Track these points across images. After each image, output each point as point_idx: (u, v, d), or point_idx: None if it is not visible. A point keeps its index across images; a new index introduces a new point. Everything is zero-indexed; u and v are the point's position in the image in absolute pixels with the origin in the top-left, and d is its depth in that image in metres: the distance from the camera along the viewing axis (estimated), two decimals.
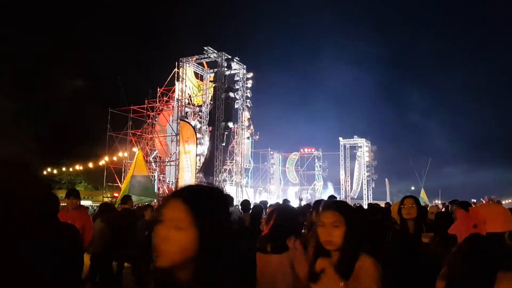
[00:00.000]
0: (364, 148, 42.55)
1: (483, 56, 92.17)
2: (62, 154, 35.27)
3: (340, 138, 43.42)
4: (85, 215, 6.83)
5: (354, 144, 43.33)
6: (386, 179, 44.66)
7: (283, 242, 3.91)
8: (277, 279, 3.87)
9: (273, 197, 32.21)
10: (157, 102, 28.98)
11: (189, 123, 24.75)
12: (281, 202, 9.59)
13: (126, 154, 27.95)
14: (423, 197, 28.13)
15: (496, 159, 63.69)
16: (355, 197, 40.84)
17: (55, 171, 32.02)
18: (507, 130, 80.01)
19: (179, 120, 24.65)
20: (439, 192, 36.78)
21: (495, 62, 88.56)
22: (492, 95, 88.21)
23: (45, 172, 32.03)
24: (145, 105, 29.22)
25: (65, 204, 6.50)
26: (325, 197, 9.94)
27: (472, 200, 24.67)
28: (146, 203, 14.01)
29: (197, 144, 23.45)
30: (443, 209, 11.30)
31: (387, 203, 13.86)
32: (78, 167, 30.12)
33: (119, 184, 28.86)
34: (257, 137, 32.19)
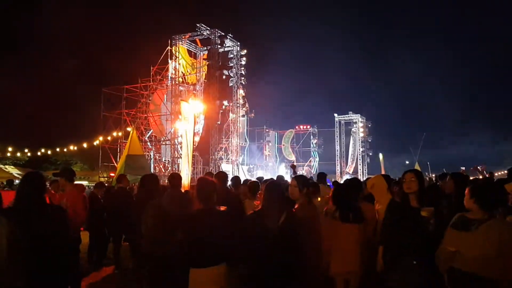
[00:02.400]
0: (359, 124, 42.55)
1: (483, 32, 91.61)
2: (56, 134, 35.16)
3: (335, 115, 43.41)
4: (76, 194, 6.74)
5: (349, 120, 43.32)
6: (380, 154, 44.77)
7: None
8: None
9: (268, 175, 32.31)
10: (151, 81, 28.76)
11: (184, 101, 24.56)
12: (275, 178, 9.61)
13: (120, 134, 27.85)
14: None
15: (489, 133, 63.88)
16: (350, 173, 41.01)
17: (49, 152, 31.91)
18: (499, 102, 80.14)
19: (179, 99, 24.46)
20: (428, 166, 36.94)
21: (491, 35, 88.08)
22: (483, 66, 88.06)
23: (39, 153, 31.98)
24: (139, 84, 29.01)
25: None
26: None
27: (461, 168, 24.91)
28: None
29: (195, 123, 23.34)
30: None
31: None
32: (73, 147, 29.98)
33: (115, 164, 28.84)
34: (252, 115, 32.11)
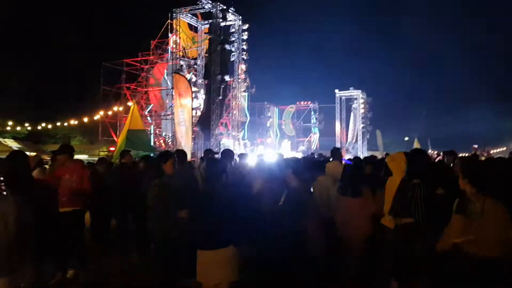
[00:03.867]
0: (359, 100, 42.30)
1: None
2: (56, 108, 34.95)
3: (336, 91, 43.09)
4: (82, 168, 6.83)
5: (350, 96, 43.06)
6: (378, 131, 44.77)
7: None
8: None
9: (269, 150, 32.28)
10: (151, 55, 28.45)
11: (183, 76, 24.34)
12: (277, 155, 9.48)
13: (121, 109, 27.70)
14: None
15: (489, 110, 63.72)
16: (351, 148, 41.02)
17: (49, 126, 31.79)
18: (499, 81, 79.72)
19: (173, 73, 24.22)
20: (428, 142, 36.95)
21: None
22: (485, 46, 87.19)
23: (40, 127, 31.89)
24: (139, 58, 28.70)
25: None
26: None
27: (474, 145, 25.15)
28: (136, 159, 13.98)
29: (192, 97, 23.13)
30: (438, 159, 11.39)
31: (386, 154, 13.83)
32: (73, 122, 29.85)
33: (115, 139, 28.80)
34: (253, 90, 31.86)
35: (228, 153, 6.79)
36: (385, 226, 5.27)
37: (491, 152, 19.88)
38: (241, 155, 7.66)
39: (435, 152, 21.30)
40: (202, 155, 7.75)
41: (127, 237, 7.74)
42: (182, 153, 6.41)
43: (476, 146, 27.53)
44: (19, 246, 3.23)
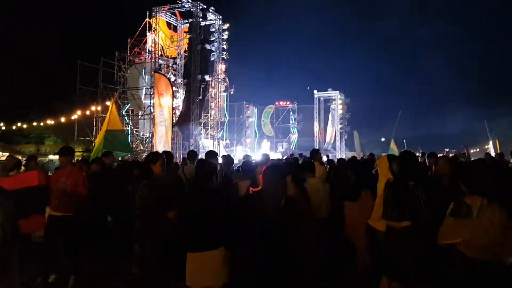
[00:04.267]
0: (337, 101, 42.65)
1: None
2: (31, 108, 34.12)
3: (315, 91, 43.35)
4: (79, 173, 6.66)
5: (329, 97, 43.36)
6: (355, 132, 45.26)
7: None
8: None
9: (248, 151, 32.20)
10: (129, 54, 28.00)
11: (164, 75, 24.03)
12: (260, 156, 9.41)
13: (99, 108, 27.16)
14: (392, 148, 28.66)
15: (461, 112, 65.12)
16: (329, 149, 41.27)
17: (24, 126, 30.99)
18: (473, 83, 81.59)
19: (153, 72, 23.87)
20: (404, 143, 37.49)
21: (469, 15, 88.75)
22: (460, 48, 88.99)
23: (14, 127, 31.05)
24: (116, 57, 28.21)
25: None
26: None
27: (445, 149, 25.48)
28: (121, 158, 13.70)
29: (173, 97, 22.84)
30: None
31: (370, 154, 13.93)
32: (50, 121, 29.13)
33: (91, 139, 28.24)
34: (233, 90, 31.74)
35: (213, 154, 6.66)
36: (374, 228, 5.29)
37: (471, 151, 20.24)
38: (225, 157, 7.54)
39: (417, 154, 21.52)
40: (185, 156, 7.59)
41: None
42: (169, 154, 6.25)
43: (447, 149, 27.91)
44: (5, 252, 3.03)
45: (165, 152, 6.42)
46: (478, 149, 44.28)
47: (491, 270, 3.55)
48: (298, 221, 4.02)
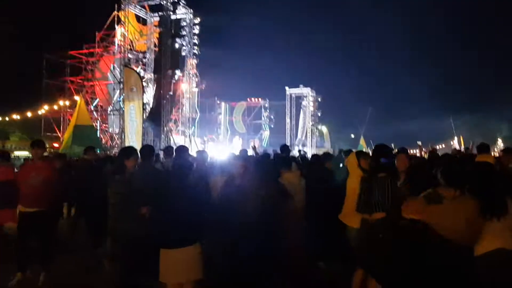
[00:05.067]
0: (309, 98, 42.96)
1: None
2: None
3: (287, 88, 43.52)
4: (52, 167, 6.54)
5: (300, 94, 43.61)
6: (324, 127, 45.87)
7: None
8: None
9: (219, 147, 32.03)
10: (96, 47, 27.35)
11: (134, 70, 23.54)
12: (237, 152, 9.28)
13: (67, 103, 26.44)
14: (362, 144, 29.12)
15: (429, 108, 66.75)
16: (300, 145, 41.52)
17: None
18: (440, 80, 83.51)
19: (122, 67, 23.34)
20: (371, 143, 38.17)
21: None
22: (429, 46, 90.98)
23: None
24: (84, 50, 27.53)
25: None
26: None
27: (418, 142, 26.02)
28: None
29: (143, 92, 22.40)
30: None
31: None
32: (16, 116, 28.17)
33: (58, 134, 27.50)
34: (203, 86, 31.46)
35: (184, 150, 6.50)
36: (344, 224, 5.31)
37: (437, 147, 20.72)
38: (199, 152, 7.39)
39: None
40: (158, 153, 7.41)
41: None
42: (147, 148, 6.01)
43: (420, 142, 28.37)
44: None
45: (144, 146, 6.24)
46: (443, 145, 45.60)
47: (458, 251, 3.65)
48: (280, 212, 4.02)
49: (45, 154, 7.81)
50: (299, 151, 20.11)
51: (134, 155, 4.84)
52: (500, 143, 47.43)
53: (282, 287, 4.74)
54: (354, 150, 6.98)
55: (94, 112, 28.08)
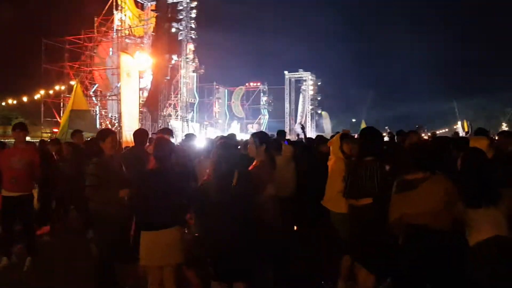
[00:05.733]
0: (308, 82, 42.78)
1: None
2: None
3: (286, 72, 43.35)
4: (33, 150, 6.55)
5: (299, 77, 43.45)
6: (324, 112, 45.63)
7: None
8: None
9: (218, 132, 32.06)
10: (95, 33, 27.24)
11: (130, 55, 23.49)
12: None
13: (63, 88, 26.43)
14: None
15: (431, 92, 66.39)
16: (298, 130, 41.48)
17: None
18: (443, 63, 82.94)
19: (120, 52, 23.30)
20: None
21: None
22: (430, 30, 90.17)
23: None
24: (82, 36, 27.39)
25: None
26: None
27: (416, 125, 26.01)
28: (88, 139, 13.41)
29: (139, 77, 22.39)
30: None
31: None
32: (12, 101, 28.19)
33: (58, 119, 27.52)
34: (202, 70, 31.38)
35: (168, 132, 6.56)
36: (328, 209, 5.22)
37: (437, 133, 20.69)
38: (188, 136, 7.43)
39: (384, 133, 21.81)
40: (152, 137, 7.43)
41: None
42: (139, 132, 6.04)
43: (417, 126, 28.34)
44: None
45: (136, 130, 6.22)
46: (447, 129, 45.38)
47: (435, 235, 3.64)
48: (249, 196, 3.99)
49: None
50: (297, 135, 20.16)
51: (110, 137, 4.77)
52: (504, 127, 47.24)
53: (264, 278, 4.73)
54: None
55: (94, 98, 28.09)
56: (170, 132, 6.46)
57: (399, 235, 3.90)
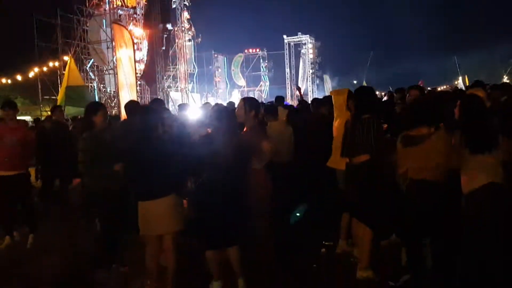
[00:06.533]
0: (308, 45, 42.20)
1: None
2: None
3: (285, 36, 42.67)
4: (25, 128, 6.60)
5: (299, 41, 42.81)
6: (326, 76, 45.22)
7: None
8: None
9: (219, 101, 31.83)
10: (87, 6, 26.69)
11: (123, 26, 23.00)
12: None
13: (57, 64, 26.07)
14: None
15: (431, 49, 65.49)
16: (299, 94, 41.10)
17: None
18: (443, 19, 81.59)
19: (112, 24, 22.82)
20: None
21: None
22: None
23: None
24: (74, 10, 26.86)
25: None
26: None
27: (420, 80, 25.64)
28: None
29: (134, 49, 21.95)
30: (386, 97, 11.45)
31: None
32: (5, 80, 27.91)
33: (57, 97, 27.31)
34: (199, 39, 30.89)
35: (157, 103, 6.42)
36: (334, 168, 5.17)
37: (438, 89, 20.44)
38: (181, 105, 7.32)
39: (383, 92, 21.51)
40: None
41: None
42: (131, 104, 5.89)
43: (421, 81, 27.99)
44: None
45: (128, 102, 6.07)
46: (448, 86, 45.03)
47: (438, 189, 3.77)
48: (241, 161, 4.01)
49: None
50: (298, 100, 19.92)
51: (101, 110, 4.70)
52: (506, 79, 46.74)
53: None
54: None
55: (91, 73, 27.77)
56: (161, 102, 6.31)
57: (404, 189, 4.03)
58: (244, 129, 4.59)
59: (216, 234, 4.01)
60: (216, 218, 3.94)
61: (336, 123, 5.23)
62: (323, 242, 5.41)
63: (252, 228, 4.21)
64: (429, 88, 15.01)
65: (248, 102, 4.71)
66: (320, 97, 9.55)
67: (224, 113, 4.21)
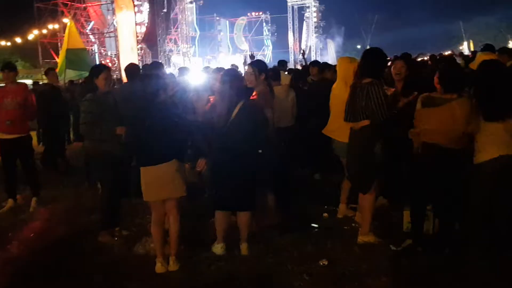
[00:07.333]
0: (312, 8, 41.34)
1: None
2: None
3: None
4: (26, 89, 6.35)
5: (302, 4, 41.92)
6: (329, 41, 44.47)
7: None
8: None
9: (221, 65, 31.48)
10: None
11: None
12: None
13: (57, 27, 25.68)
14: None
15: (435, 13, 64.08)
16: (302, 59, 40.65)
17: None
18: None
19: None
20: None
21: None
22: None
23: None
24: None
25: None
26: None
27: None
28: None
29: (135, 11, 21.56)
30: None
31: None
32: (4, 43, 27.55)
33: (57, 60, 27.02)
34: (201, 2, 30.32)
35: (156, 66, 6.32)
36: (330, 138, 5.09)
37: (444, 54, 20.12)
38: (181, 69, 7.19)
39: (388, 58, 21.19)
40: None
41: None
42: (131, 67, 5.78)
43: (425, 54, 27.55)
44: None
45: (127, 65, 5.97)
46: (450, 52, 44.23)
47: (448, 155, 3.73)
48: (251, 126, 3.99)
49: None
50: (301, 64, 19.70)
51: (103, 72, 4.60)
52: (511, 44, 46.01)
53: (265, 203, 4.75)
54: None
55: (91, 36, 27.40)
56: (160, 65, 6.20)
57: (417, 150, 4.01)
58: (254, 93, 4.51)
59: (231, 196, 4.07)
60: (231, 182, 4.01)
61: (336, 91, 5.02)
62: (325, 207, 5.40)
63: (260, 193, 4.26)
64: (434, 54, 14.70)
65: (257, 66, 4.64)
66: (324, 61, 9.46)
67: (233, 77, 4.15)
